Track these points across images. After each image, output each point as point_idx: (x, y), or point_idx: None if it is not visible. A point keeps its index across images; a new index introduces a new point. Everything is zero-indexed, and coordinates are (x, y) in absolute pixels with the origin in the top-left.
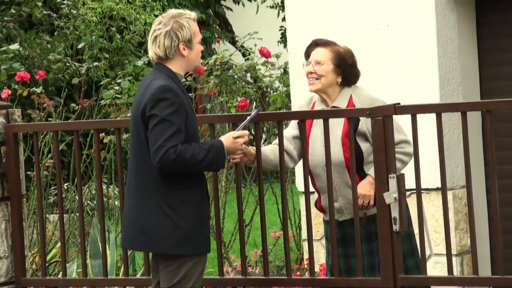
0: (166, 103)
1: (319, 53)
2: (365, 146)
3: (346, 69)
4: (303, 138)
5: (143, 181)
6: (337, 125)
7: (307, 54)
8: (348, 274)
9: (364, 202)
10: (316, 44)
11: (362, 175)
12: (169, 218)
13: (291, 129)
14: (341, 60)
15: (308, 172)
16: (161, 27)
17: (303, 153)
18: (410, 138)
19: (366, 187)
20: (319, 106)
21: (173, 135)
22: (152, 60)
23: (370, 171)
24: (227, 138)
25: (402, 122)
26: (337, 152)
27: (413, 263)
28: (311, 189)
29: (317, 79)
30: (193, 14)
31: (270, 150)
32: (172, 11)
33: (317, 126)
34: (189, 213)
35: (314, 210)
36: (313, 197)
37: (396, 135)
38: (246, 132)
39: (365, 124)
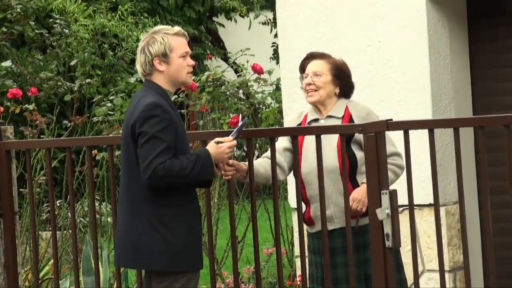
0: (155, 120)
1: (317, 65)
2: (359, 155)
3: (344, 79)
4: (295, 152)
5: (134, 198)
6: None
7: (302, 68)
8: (335, 285)
9: (358, 207)
10: (312, 56)
11: (355, 184)
12: (161, 235)
13: (282, 141)
14: (339, 71)
15: (300, 188)
16: (140, 43)
17: (295, 169)
18: (403, 154)
19: (361, 193)
20: (312, 116)
21: (162, 152)
22: (141, 76)
23: (365, 179)
24: (211, 145)
25: (394, 138)
26: (332, 158)
27: (397, 280)
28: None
29: (315, 90)
30: (175, 29)
31: (260, 164)
32: (156, 27)
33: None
34: (181, 229)
35: (306, 227)
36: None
37: (388, 147)
38: (230, 138)
39: None
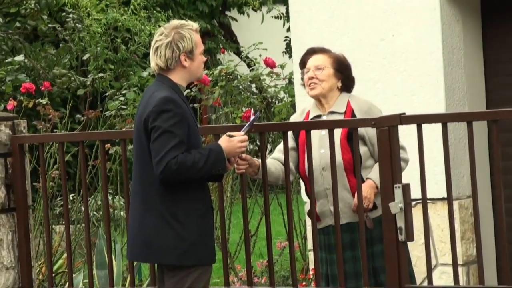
0: (168, 114)
1: (318, 59)
2: (363, 150)
3: (346, 73)
4: (308, 146)
5: (147, 192)
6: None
7: (303, 63)
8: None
9: (364, 204)
10: (313, 51)
11: None
12: (173, 230)
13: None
14: (340, 64)
15: (313, 181)
16: (162, 38)
17: (308, 161)
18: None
19: (366, 189)
20: (314, 113)
21: (175, 147)
22: (154, 71)
23: (370, 175)
24: (223, 139)
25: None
26: (336, 154)
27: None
28: (306, 198)
29: (318, 84)
30: (195, 25)
31: (270, 163)
32: (174, 22)
33: (312, 131)
34: (193, 224)
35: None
36: (306, 206)
37: None
38: (241, 132)
39: (364, 128)
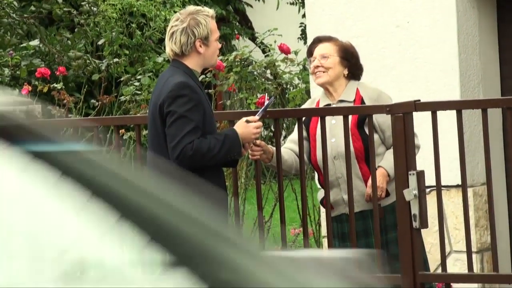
0: (184, 99)
1: (324, 48)
2: (374, 138)
3: (352, 60)
4: (323, 132)
5: None
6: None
7: (310, 52)
8: None
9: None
10: (319, 40)
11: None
12: None
13: (302, 126)
14: (346, 52)
15: (327, 169)
16: (178, 24)
17: (323, 148)
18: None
19: (378, 178)
20: (323, 102)
21: (191, 132)
22: (169, 57)
23: (382, 163)
24: (239, 124)
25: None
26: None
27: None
28: (319, 186)
29: (324, 72)
30: (211, 11)
31: (284, 152)
32: (190, 8)
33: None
34: None
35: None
36: (319, 194)
37: None
38: (257, 118)
39: (374, 115)
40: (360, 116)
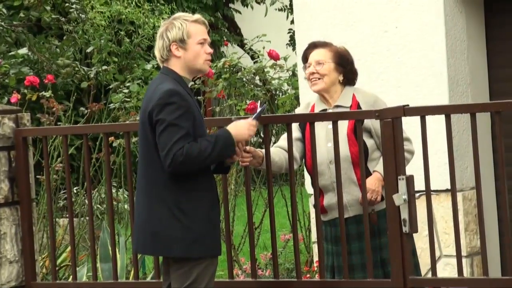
0: (173, 107)
1: (319, 54)
2: (370, 143)
3: (347, 66)
4: (312, 137)
5: (153, 185)
6: (342, 121)
7: (305, 57)
8: (350, 272)
9: (372, 197)
10: (314, 46)
11: (367, 172)
12: (180, 222)
13: (292, 132)
14: (341, 58)
15: (317, 172)
16: (160, 29)
17: (312, 154)
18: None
19: (374, 182)
20: (319, 107)
21: (181, 139)
22: (159, 63)
23: (377, 167)
24: (231, 124)
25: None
26: (343, 147)
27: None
28: (311, 191)
29: (319, 78)
30: (195, 16)
31: (273, 153)
32: (176, 14)
33: (318, 124)
34: (199, 216)
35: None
36: (312, 199)
37: None
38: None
39: (370, 120)
40: (356, 120)
